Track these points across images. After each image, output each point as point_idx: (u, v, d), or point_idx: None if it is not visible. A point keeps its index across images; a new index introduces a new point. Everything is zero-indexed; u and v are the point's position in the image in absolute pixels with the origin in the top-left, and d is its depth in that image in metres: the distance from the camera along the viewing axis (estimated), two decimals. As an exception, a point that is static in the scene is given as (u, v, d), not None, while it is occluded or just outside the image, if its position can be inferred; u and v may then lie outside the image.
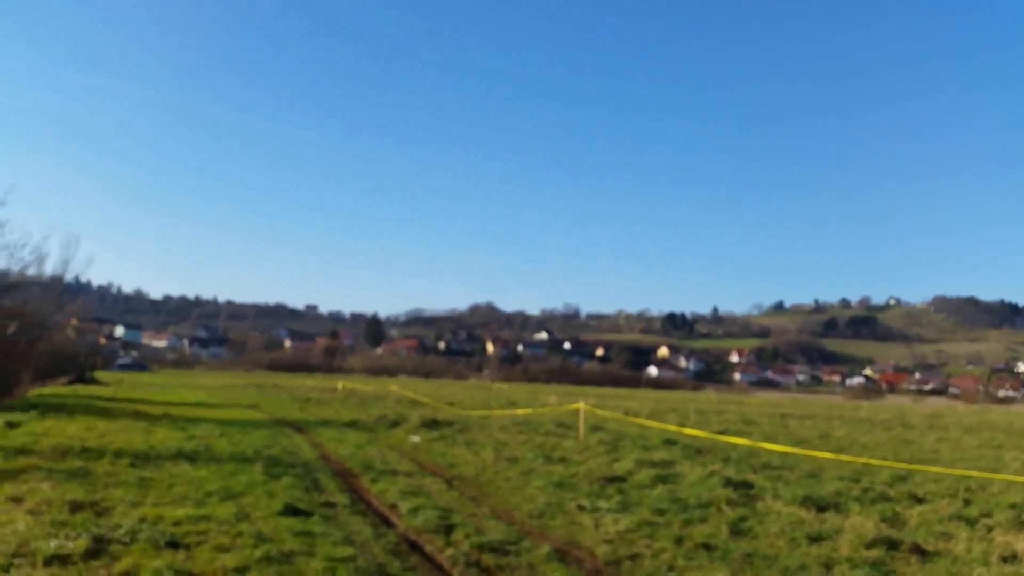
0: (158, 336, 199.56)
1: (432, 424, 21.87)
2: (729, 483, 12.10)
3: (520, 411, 29.67)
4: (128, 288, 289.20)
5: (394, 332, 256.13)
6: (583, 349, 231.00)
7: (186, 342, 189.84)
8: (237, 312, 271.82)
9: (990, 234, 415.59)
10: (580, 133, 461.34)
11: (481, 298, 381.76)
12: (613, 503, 10.44)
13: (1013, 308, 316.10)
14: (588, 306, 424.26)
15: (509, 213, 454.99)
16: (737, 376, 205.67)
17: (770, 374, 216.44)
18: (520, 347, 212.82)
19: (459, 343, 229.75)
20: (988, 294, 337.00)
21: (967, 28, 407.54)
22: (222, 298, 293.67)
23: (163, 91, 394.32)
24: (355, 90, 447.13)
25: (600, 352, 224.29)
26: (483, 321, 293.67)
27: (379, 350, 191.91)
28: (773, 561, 7.64)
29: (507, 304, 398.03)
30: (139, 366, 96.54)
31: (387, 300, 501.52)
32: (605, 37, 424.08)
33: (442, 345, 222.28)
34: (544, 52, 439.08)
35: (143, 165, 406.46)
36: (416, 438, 19.06)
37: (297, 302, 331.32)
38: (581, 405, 21.86)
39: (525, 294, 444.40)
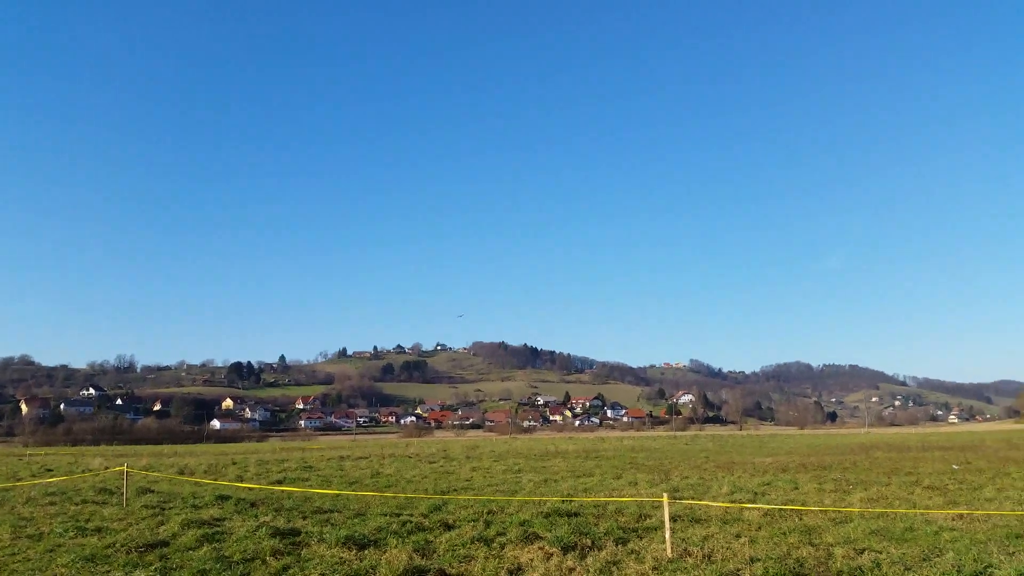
0: None
1: (-73, 506, 17.81)
2: (277, 533, 12.10)
3: (54, 479, 25.75)
4: None
5: None
6: (139, 405, 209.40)
7: None
8: None
9: (519, 285, 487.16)
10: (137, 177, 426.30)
11: (14, 351, 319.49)
12: (152, 571, 9.73)
13: (534, 351, 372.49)
14: (145, 358, 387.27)
15: (47, 255, 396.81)
16: (302, 423, 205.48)
17: (334, 418, 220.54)
18: (62, 406, 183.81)
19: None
20: (514, 339, 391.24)
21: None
22: None
23: None
24: None
25: (158, 407, 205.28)
26: (16, 377, 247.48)
27: None
28: (312, 605, 7.90)
29: (47, 358, 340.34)
30: None
31: None
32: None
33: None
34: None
35: None
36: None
37: None
38: (124, 468, 19.89)
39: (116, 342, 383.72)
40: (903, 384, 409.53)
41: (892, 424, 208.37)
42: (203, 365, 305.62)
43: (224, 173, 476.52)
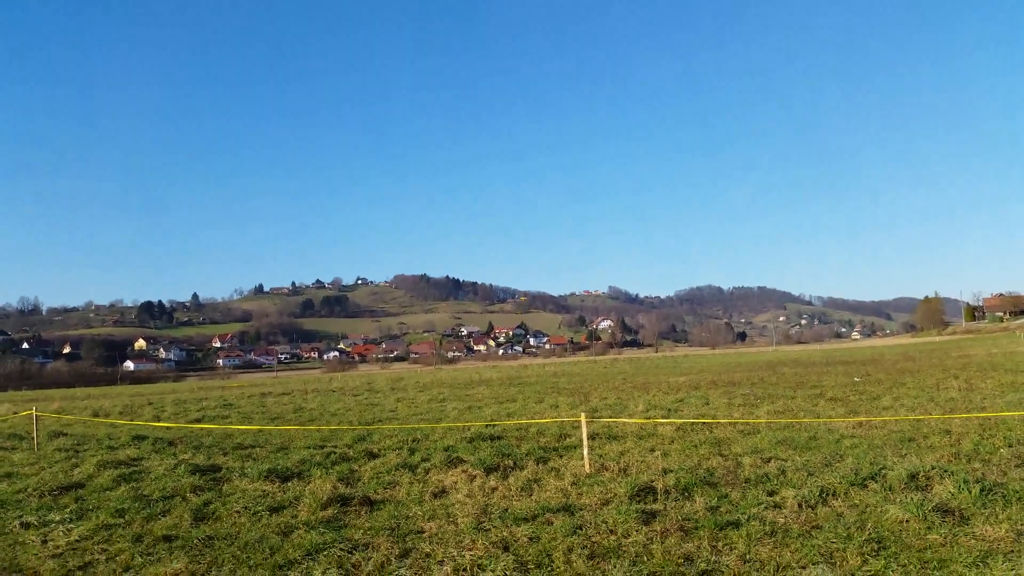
0: None
1: None
2: (197, 470, 11.96)
3: (-49, 428, 24.59)
4: None
5: None
6: (47, 348, 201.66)
7: None
8: None
9: (440, 217, 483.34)
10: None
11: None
12: (67, 513, 9.51)
13: (456, 283, 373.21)
14: (50, 300, 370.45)
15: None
16: (220, 361, 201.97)
17: (253, 356, 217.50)
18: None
19: None
20: (436, 271, 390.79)
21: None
22: None
23: None
24: None
25: (67, 350, 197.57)
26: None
27: None
28: (234, 539, 7.87)
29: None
30: None
31: None
32: None
33: None
34: None
35: None
36: None
37: None
38: (34, 411, 19.17)
39: None
40: (809, 304, 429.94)
41: (799, 342, 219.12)
42: (112, 305, 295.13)
43: (124, 102, 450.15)
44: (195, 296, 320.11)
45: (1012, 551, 6.14)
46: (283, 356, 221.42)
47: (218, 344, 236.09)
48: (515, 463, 11.32)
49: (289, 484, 10.67)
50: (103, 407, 35.17)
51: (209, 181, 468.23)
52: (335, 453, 13.41)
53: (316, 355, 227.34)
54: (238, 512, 9.05)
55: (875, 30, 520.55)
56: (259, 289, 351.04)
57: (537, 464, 11.22)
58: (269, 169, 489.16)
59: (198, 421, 23.34)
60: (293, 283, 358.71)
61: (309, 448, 14.38)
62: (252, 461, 13.01)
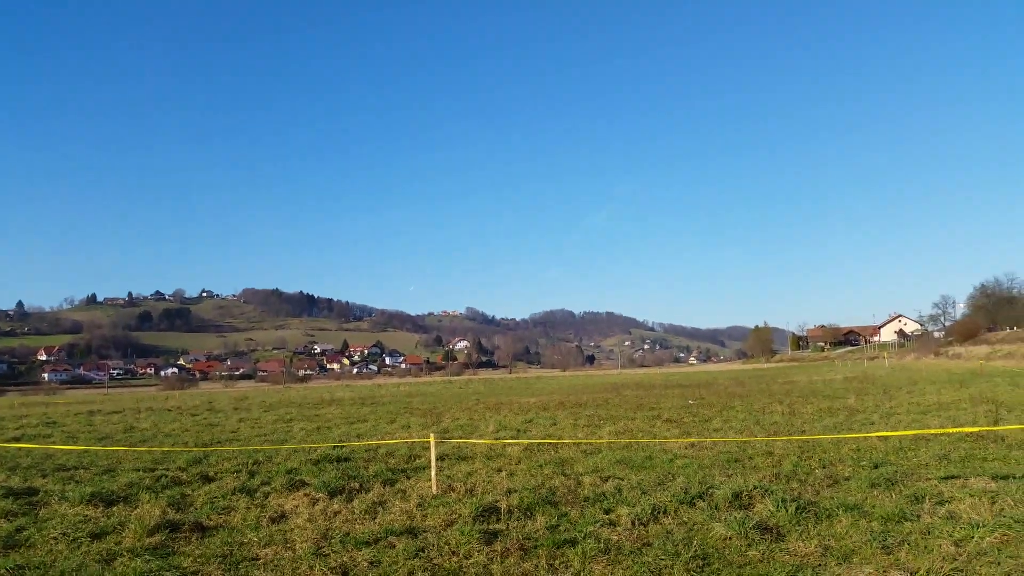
0: None
1: None
2: (11, 493, 11.00)
3: None
4: None
5: None
6: None
7: None
8: None
9: (293, 229, 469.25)
10: None
11: None
12: None
13: (310, 299, 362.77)
14: None
15: None
16: (46, 376, 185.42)
17: (83, 371, 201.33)
18: None
19: None
20: (289, 286, 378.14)
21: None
22: None
23: None
24: None
25: None
26: None
27: None
28: (49, 567, 7.28)
29: None
30: None
31: None
32: None
33: None
34: None
35: None
36: None
37: None
38: None
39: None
40: (652, 330, 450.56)
41: (642, 365, 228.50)
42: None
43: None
44: (20, 304, 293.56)
45: (819, 564, 6.73)
46: (116, 372, 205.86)
47: (44, 357, 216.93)
48: (361, 485, 11.17)
49: (114, 509, 10.00)
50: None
51: (39, 178, 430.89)
52: (167, 476, 12.69)
53: (153, 371, 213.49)
54: (55, 539, 8.38)
55: (714, 73, 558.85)
56: (92, 299, 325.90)
57: (384, 486, 11.13)
58: (106, 169, 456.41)
59: (16, 440, 21.36)
60: (130, 293, 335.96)
61: (138, 471, 13.51)
62: (74, 484, 12.08)
